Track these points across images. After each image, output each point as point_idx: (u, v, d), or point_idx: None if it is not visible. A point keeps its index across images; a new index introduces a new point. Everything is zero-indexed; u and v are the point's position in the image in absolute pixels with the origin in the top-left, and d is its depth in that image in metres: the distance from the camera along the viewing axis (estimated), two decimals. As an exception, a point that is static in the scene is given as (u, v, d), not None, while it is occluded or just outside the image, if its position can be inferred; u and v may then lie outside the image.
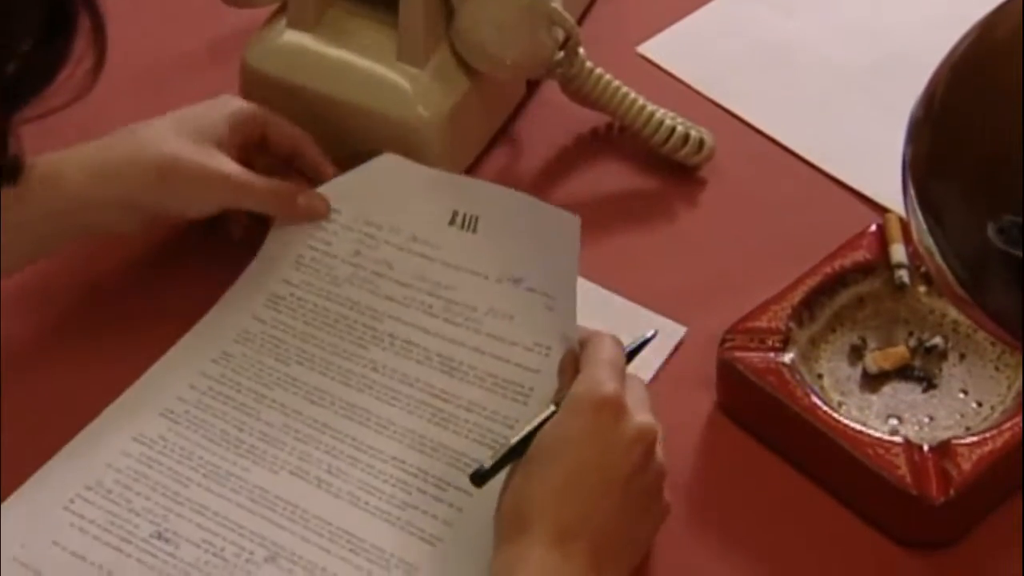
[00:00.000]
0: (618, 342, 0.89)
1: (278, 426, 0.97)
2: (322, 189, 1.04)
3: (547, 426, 0.85)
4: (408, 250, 1.02)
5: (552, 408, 0.86)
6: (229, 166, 1.00)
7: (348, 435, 0.96)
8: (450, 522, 0.92)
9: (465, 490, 0.91)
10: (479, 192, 1.03)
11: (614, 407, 0.84)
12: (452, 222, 1.01)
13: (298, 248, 1.03)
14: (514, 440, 0.86)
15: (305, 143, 1.05)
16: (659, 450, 0.86)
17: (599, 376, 0.85)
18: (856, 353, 0.97)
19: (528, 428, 0.86)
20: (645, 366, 0.96)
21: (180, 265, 1.07)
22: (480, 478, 0.86)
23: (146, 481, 0.95)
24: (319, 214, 1.02)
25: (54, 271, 1.05)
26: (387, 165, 1.04)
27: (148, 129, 1.00)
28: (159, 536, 0.92)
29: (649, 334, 0.93)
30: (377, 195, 1.03)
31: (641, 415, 0.85)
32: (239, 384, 0.99)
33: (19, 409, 0.98)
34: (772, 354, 0.94)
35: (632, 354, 0.91)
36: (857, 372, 0.96)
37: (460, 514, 0.92)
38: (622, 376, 0.86)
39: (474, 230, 1.01)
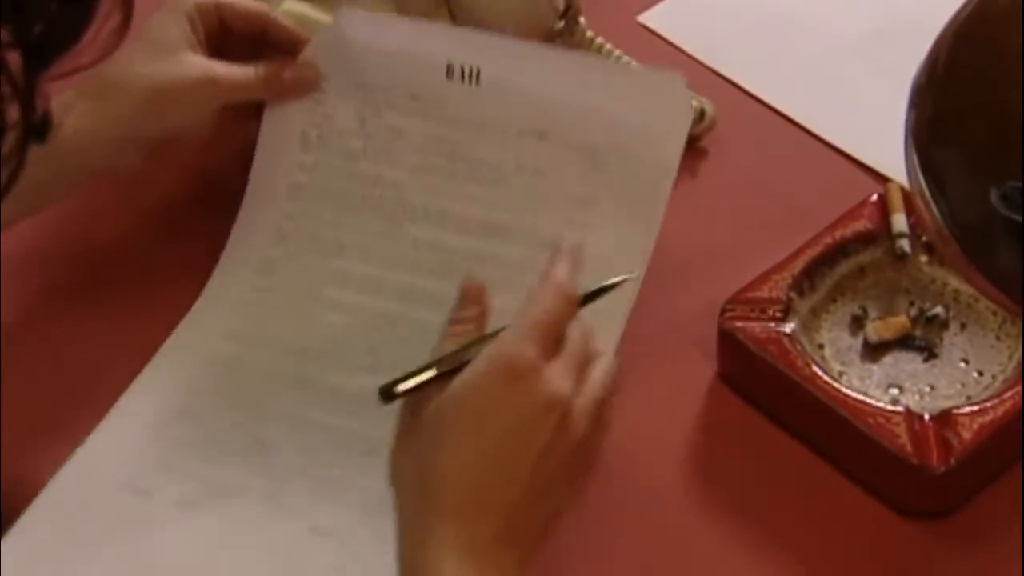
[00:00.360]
0: (566, 298, 0.81)
1: (340, 326, 0.97)
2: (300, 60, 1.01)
3: (458, 387, 0.78)
4: (412, 112, 0.99)
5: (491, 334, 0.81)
6: (211, 68, 0.98)
7: (412, 319, 0.95)
8: None
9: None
10: (471, 42, 0.99)
11: (525, 375, 0.77)
12: (450, 75, 0.98)
13: (299, 128, 1.00)
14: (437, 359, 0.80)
15: (267, 18, 1.02)
16: (580, 417, 0.79)
17: (519, 337, 0.78)
18: (857, 323, 0.96)
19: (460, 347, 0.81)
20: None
21: (184, 224, 1.07)
22: (389, 396, 0.80)
23: (230, 400, 0.95)
24: (311, 83, 1.00)
25: (64, 234, 1.05)
26: (354, 21, 0.99)
27: (120, 64, 0.97)
28: (257, 447, 0.93)
29: (617, 279, 0.85)
30: (358, 56, 0.99)
31: (559, 382, 0.78)
32: (292, 290, 0.99)
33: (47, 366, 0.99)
34: (773, 324, 0.93)
35: (590, 297, 0.84)
36: (858, 342, 0.96)
37: None
38: (550, 337, 0.79)
39: (477, 82, 0.97)
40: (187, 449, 0.93)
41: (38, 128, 0.62)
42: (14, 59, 0.59)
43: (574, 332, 0.81)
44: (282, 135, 1.01)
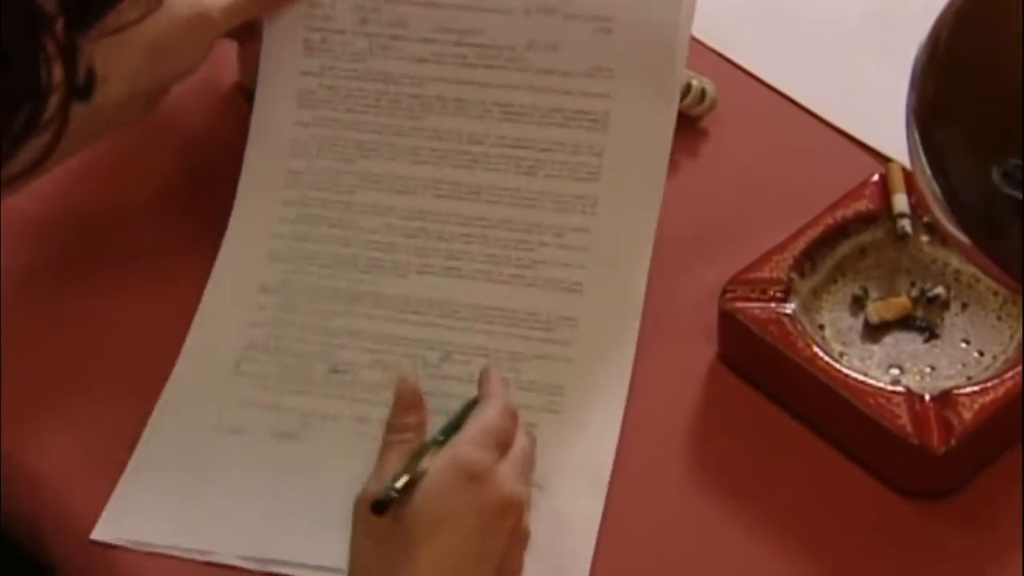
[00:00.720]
0: (508, 408, 0.86)
1: (380, 229, 0.97)
2: None
3: (421, 495, 0.81)
4: (413, 3, 0.99)
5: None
6: (199, 4, 0.96)
7: (449, 213, 0.96)
8: (583, 264, 0.94)
9: (584, 229, 0.94)
10: None
11: (482, 478, 0.81)
12: None
13: (300, 35, 1.00)
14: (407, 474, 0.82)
15: None
16: (525, 518, 0.84)
17: (474, 444, 0.83)
18: (858, 303, 0.96)
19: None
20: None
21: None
22: (382, 507, 0.81)
23: (292, 327, 0.96)
24: None
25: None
26: None
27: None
28: (335, 370, 0.94)
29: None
30: None
31: (512, 482, 0.83)
32: (323, 200, 0.99)
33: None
34: (773, 305, 0.93)
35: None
36: (859, 322, 0.96)
37: (589, 254, 0.94)
38: (500, 443, 0.84)
39: None
40: (266, 384, 0.94)
41: (82, 88, 0.62)
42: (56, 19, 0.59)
43: (520, 437, 0.86)
44: (284, 44, 1.00)
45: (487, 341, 0.94)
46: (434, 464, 0.82)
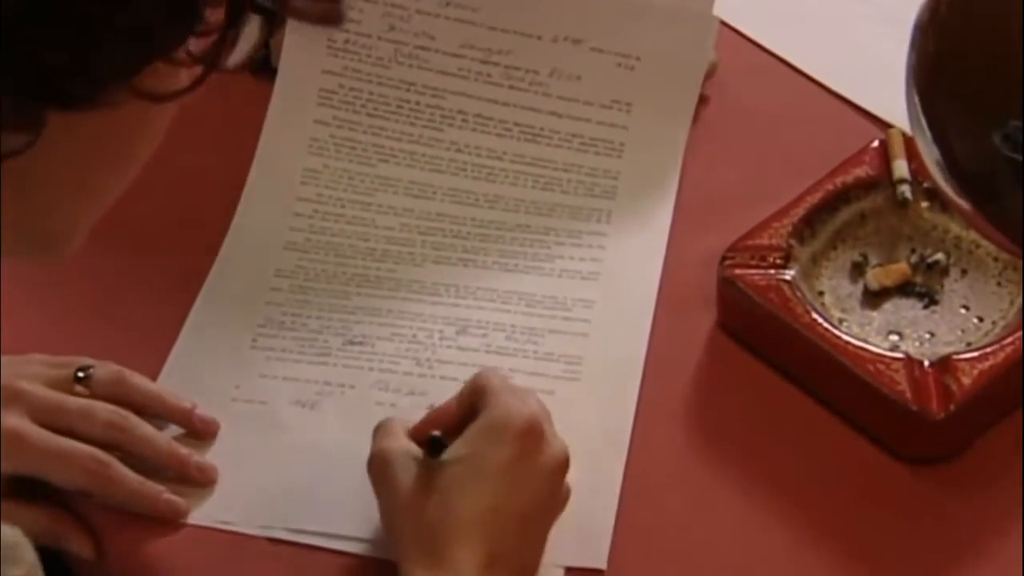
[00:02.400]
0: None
1: (397, 227, 0.98)
2: None
3: (467, 450, 0.82)
4: (445, 16, 1.00)
5: None
6: None
7: (467, 217, 0.98)
8: (597, 258, 0.97)
9: (600, 233, 0.97)
10: None
11: (537, 433, 0.82)
12: None
13: (325, 33, 1.00)
14: None
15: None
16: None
17: (515, 401, 0.83)
18: (857, 270, 0.96)
19: None
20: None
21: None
22: (439, 447, 0.82)
23: (309, 307, 0.96)
24: (181, 513, 0.88)
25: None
26: None
27: None
28: (351, 342, 0.94)
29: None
30: None
31: (558, 441, 0.84)
32: (340, 199, 1.00)
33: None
34: (773, 271, 0.93)
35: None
36: (858, 289, 0.96)
37: (605, 251, 0.97)
38: (530, 396, 0.85)
39: None
40: (284, 358, 0.95)
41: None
42: None
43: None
44: (308, 40, 1.01)
45: (505, 318, 0.95)
46: (480, 426, 0.83)
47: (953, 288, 0.95)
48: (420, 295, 0.96)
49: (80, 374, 0.90)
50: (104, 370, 0.90)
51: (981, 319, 0.93)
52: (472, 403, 0.85)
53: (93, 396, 0.89)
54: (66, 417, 0.87)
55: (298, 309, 0.96)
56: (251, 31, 0.60)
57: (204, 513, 0.88)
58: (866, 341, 0.90)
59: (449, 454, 0.82)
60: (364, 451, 0.85)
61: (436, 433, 0.82)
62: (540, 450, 0.82)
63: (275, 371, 0.94)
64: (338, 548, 0.87)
